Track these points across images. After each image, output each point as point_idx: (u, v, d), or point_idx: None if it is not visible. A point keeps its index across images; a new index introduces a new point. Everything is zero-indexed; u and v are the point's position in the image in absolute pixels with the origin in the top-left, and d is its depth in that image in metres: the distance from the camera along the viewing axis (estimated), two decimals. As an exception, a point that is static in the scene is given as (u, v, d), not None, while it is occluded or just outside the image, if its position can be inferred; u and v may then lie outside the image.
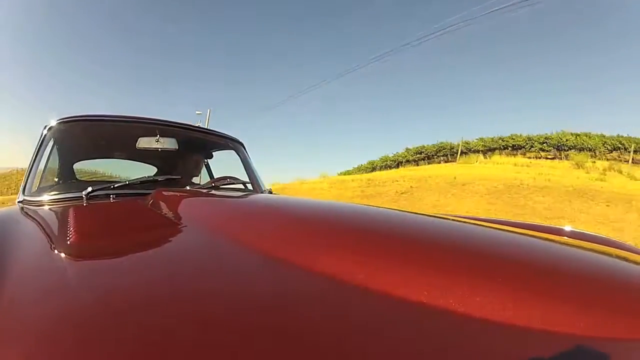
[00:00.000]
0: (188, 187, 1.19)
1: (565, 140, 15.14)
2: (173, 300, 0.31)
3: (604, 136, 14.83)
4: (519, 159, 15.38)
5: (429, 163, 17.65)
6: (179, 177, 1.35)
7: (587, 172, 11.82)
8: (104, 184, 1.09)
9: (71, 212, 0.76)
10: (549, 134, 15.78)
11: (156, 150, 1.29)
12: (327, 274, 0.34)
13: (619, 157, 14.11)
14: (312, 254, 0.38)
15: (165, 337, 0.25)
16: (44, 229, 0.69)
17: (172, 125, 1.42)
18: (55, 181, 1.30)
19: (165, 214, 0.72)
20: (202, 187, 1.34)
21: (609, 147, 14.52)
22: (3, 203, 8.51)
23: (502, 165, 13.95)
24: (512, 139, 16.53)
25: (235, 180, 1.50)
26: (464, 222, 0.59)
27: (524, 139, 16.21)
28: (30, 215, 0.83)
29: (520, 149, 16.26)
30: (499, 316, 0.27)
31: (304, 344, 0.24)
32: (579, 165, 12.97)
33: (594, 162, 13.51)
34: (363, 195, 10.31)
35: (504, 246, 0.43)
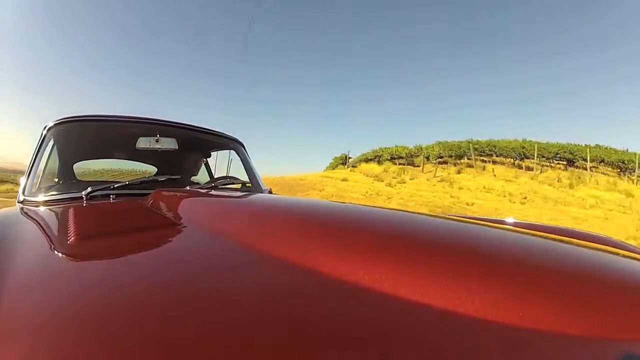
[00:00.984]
0: (188, 187, 1.19)
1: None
2: (173, 300, 0.31)
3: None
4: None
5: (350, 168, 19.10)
6: (179, 177, 1.35)
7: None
8: (104, 184, 1.09)
9: (71, 212, 0.76)
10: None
11: (156, 150, 1.29)
12: (328, 273, 0.34)
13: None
14: (312, 254, 0.38)
15: (165, 337, 0.25)
16: (43, 229, 0.69)
17: (171, 125, 1.42)
18: (55, 181, 1.30)
19: (165, 214, 0.72)
20: (202, 187, 1.34)
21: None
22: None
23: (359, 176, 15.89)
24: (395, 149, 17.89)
25: (235, 180, 1.50)
26: (467, 221, 0.59)
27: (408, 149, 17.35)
28: (30, 216, 0.83)
29: (401, 158, 17.28)
30: (501, 316, 0.27)
31: (304, 343, 0.24)
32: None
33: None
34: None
35: (505, 245, 0.43)
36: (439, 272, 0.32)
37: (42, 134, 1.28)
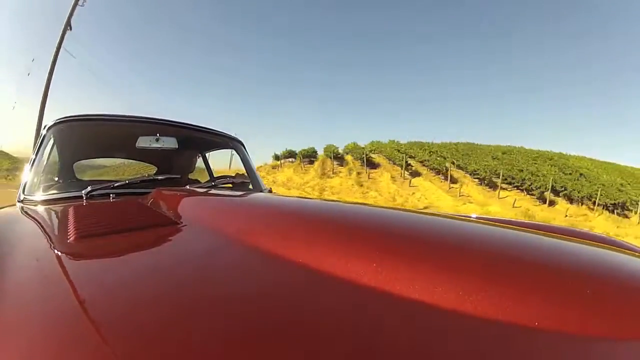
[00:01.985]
0: (188, 186, 1.19)
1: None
2: (173, 298, 0.31)
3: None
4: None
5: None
6: (179, 176, 1.35)
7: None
8: (104, 183, 1.09)
9: (71, 211, 0.76)
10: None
11: (156, 149, 1.29)
12: (328, 272, 0.34)
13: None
14: (313, 253, 0.38)
15: (165, 336, 0.25)
16: (44, 228, 0.69)
17: (171, 125, 1.42)
18: (55, 180, 1.30)
19: (165, 213, 0.72)
20: (202, 186, 1.34)
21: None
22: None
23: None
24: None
25: (234, 179, 1.50)
26: (466, 220, 0.59)
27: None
28: (30, 215, 0.83)
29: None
30: (502, 315, 0.27)
31: (304, 341, 0.24)
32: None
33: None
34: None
35: (506, 245, 0.43)
36: (440, 270, 0.32)
37: (42, 133, 1.28)
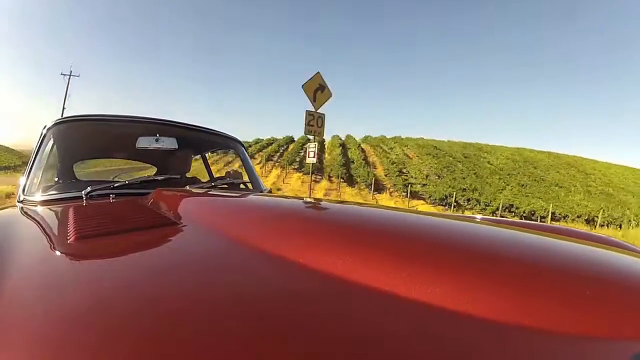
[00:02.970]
0: (187, 187, 1.19)
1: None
2: (173, 299, 0.31)
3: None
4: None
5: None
6: (179, 176, 1.35)
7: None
8: (104, 183, 1.09)
9: (71, 211, 0.76)
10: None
11: (156, 149, 1.29)
12: (328, 272, 0.34)
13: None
14: (312, 253, 0.38)
15: (165, 336, 0.25)
16: (43, 228, 0.69)
17: (171, 125, 1.42)
18: (55, 181, 1.30)
19: (165, 213, 0.72)
20: (202, 186, 1.34)
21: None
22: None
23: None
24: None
25: (234, 179, 1.50)
26: (466, 220, 0.59)
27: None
28: (30, 215, 0.83)
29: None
30: (502, 315, 0.27)
31: (304, 341, 0.24)
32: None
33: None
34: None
35: (506, 245, 0.43)
36: (440, 270, 0.32)
37: (41, 134, 1.28)
